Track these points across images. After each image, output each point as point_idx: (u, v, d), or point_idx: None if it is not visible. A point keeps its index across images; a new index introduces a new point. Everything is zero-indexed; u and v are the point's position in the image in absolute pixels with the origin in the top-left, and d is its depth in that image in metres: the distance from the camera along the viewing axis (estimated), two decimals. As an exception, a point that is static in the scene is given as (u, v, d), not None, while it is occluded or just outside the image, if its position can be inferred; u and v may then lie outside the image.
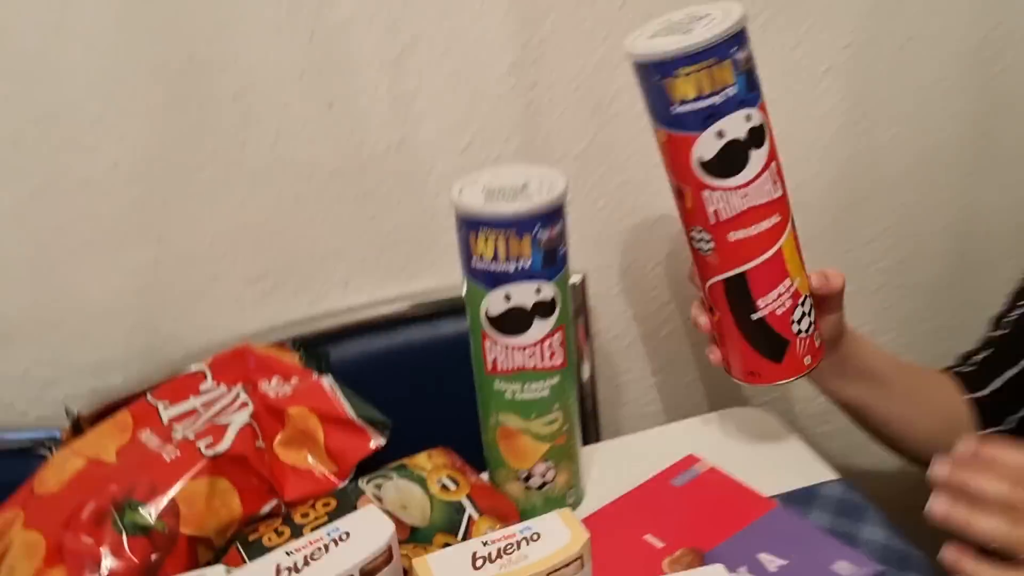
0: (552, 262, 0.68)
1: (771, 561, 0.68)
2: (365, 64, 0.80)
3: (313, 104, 0.80)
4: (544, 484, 0.75)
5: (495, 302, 0.69)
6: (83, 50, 0.73)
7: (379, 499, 0.69)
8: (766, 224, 0.69)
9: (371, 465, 0.74)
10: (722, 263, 0.71)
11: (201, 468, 0.68)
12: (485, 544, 0.55)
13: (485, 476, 0.78)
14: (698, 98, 0.64)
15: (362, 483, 0.71)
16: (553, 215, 0.67)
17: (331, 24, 0.78)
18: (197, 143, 0.79)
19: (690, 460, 0.81)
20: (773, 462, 0.82)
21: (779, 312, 0.71)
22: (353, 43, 0.79)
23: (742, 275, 0.70)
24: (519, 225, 0.66)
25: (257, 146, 0.80)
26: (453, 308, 0.87)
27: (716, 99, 0.64)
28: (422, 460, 0.75)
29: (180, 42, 0.75)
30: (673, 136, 0.67)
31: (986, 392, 0.82)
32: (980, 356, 0.85)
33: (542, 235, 0.67)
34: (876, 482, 0.92)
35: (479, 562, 0.54)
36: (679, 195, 0.71)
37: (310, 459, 0.73)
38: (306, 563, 0.54)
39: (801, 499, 0.77)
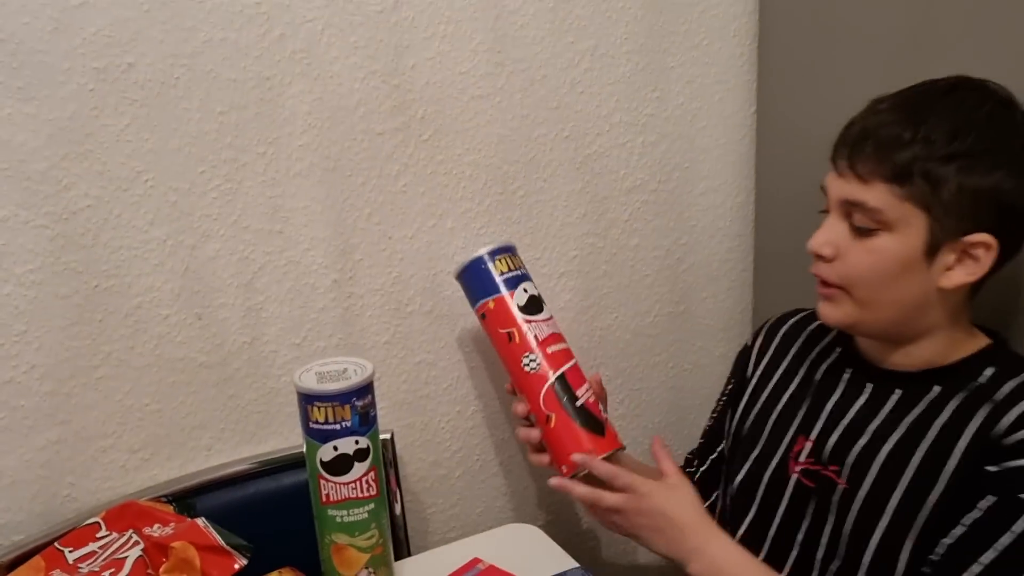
0: (366, 422, 0.99)
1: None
2: (225, 286, 1.11)
3: (186, 316, 1.09)
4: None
5: (326, 452, 0.98)
6: (14, 286, 0.99)
7: (245, 604, 0.95)
8: (564, 345, 1.12)
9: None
10: (547, 370, 1.08)
11: (107, 592, 0.92)
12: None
13: (323, 586, 1.04)
14: (509, 271, 1.10)
15: (232, 594, 0.96)
16: (364, 390, 0.99)
17: (201, 259, 1.08)
18: (96, 348, 1.05)
19: (475, 561, 1.11)
20: (533, 557, 1.13)
21: (591, 400, 1.09)
22: (216, 271, 1.10)
23: (563, 375, 1.09)
24: (341, 398, 0.97)
25: (142, 349, 1.08)
26: (292, 464, 1.16)
27: (519, 272, 1.10)
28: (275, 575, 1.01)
29: (88, 277, 1.03)
30: (498, 299, 1.09)
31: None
32: (702, 468, 1.23)
33: (358, 403, 0.98)
34: (610, 568, 1.24)
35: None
36: (509, 339, 1.09)
37: (189, 581, 0.98)
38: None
39: (553, 582, 1.08)
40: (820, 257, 0.98)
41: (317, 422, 0.98)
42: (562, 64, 1.25)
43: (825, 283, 0.98)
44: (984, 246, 0.90)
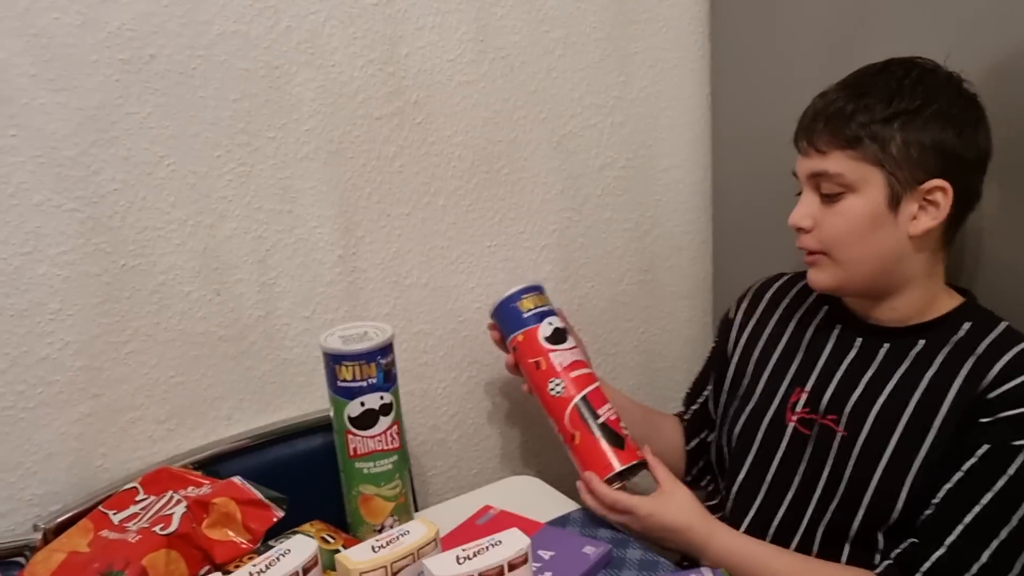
0: (389, 378, 1.08)
1: (546, 553, 1.08)
2: (240, 263, 1.18)
3: (206, 292, 1.16)
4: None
5: (354, 408, 1.07)
6: (48, 266, 1.05)
7: (286, 550, 1.02)
8: (588, 370, 1.21)
9: (272, 534, 1.06)
10: (571, 392, 1.18)
11: (158, 543, 0.99)
12: (378, 541, 0.91)
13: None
14: (535, 307, 1.20)
15: (270, 543, 1.04)
16: (387, 349, 1.08)
17: (219, 238, 1.16)
18: (124, 325, 1.11)
19: (486, 508, 1.20)
20: (538, 502, 1.23)
21: (612, 418, 1.17)
22: (232, 250, 1.17)
23: (585, 396, 1.18)
24: (367, 356, 1.06)
25: (167, 324, 1.14)
26: (306, 430, 1.24)
27: (544, 308, 1.21)
28: (307, 527, 1.09)
29: (116, 257, 1.09)
30: (527, 332, 1.20)
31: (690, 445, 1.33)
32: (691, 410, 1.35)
33: (382, 361, 1.07)
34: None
35: (377, 549, 0.90)
36: (536, 367, 1.19)
37: (231, 533, 1.05)
38: (268, 567, 0.88)
39: (558, 521, 1.18)
40: (800, 229, 1.09)
41: (345, 380, 1.06)
42: (538, 51, 1.36)
43: (810, 252, 1.10)
44: (940, 190, 1.02)
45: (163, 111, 1.09)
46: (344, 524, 1.14)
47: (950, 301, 1.10)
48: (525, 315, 1.22)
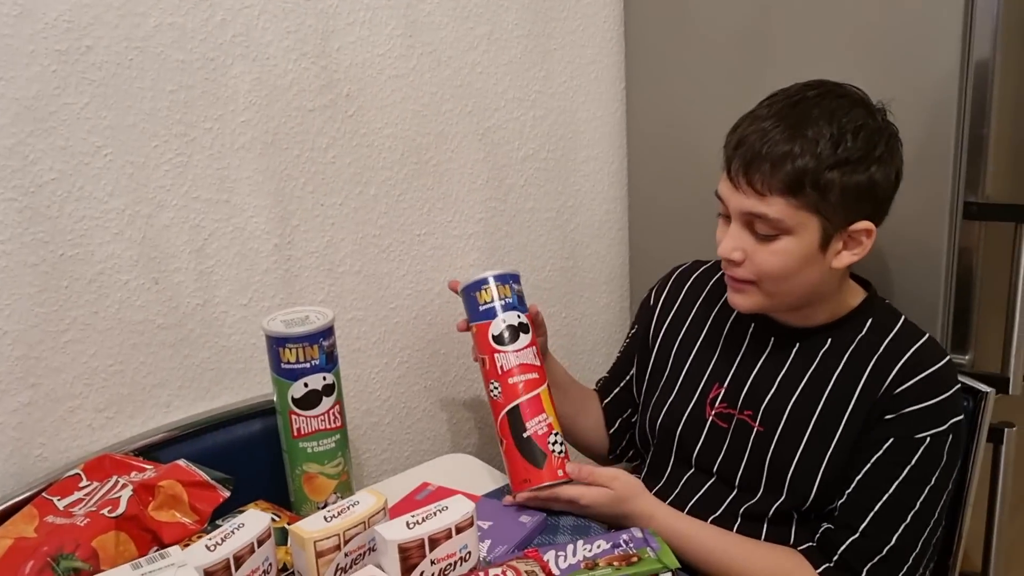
0: (331, 360, 1.12)
1: (484, 523, 1.14)
2: (178, 252, 1.20)
3: (144, 281, 1.18)
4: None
5: (297, 389, 1.11)
6: (-14, 256, 1.06)
7: (234, 528, 1.05)
8: (531, 375, 1.19)
9: (218, 515, 1.09)
10: (505, 400, 1.18)
11: (107, 526, 1.00)
12: (329, 511, 0.95)
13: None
14: (494, 300, 1.19)
15: (218, 523, 1.06)
16: (329, 331, 1.12)
17: (157, 227, 1.17)
18: (62, 314, 1.12)
19: (424, 484, 1.25)
20: (473, 478, 1.28)
21: (540, 433, 1.17)
22: (171, 239, 1.19)
23: (516, 407, 1.17)
24: (310, 339, 1.10)
25: (105, 313, 1.15)
26: (245, 416, 1.27)
27: (504, 301, 1.19)
28: (251, 507, 1.12)
29: (54, 246, 1.10)
30: (480, 325, 1.19)
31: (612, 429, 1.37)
32: (610, 395, 1.38)
33: (324, 343, 1.11)
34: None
35: (329, 519, 0.94)
36: (483, 364, 1.20)
37: (178, 515, 1.07)
38: (224, 540, 0.91)
39: (494, 494, 1.24)
40: (730, 261, 1.11)
41: (288, 363, 1.09)
42: (463, 47, 1.41)
43: (735, 279, 1.13)
44: (866, 232, 1.07)
45: (100, 101, 1.10)
46: (287, 504, 1.17)
47: (854, 297, 1.16)
48: (481, 307, 1.21)
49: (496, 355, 1.19)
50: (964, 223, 1.23)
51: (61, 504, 1.06)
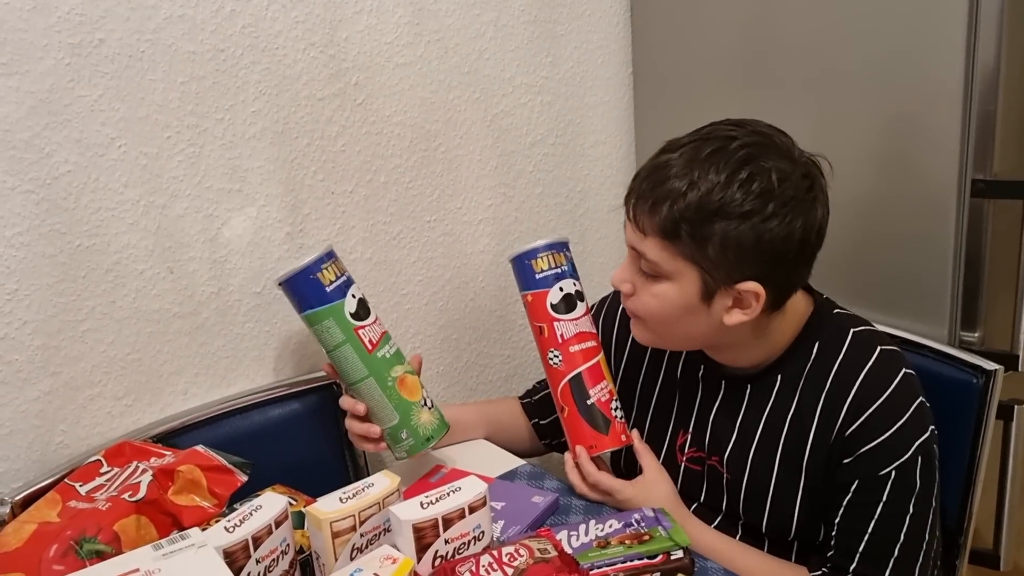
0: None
1: (498, 504, 1.15)
2: (192, 241, 1.22)
3: (159, 270, 1.20)
4: (432, 402, 1.20)
5: (350, 304, 1.14)
6: (4, 247, 1.07)
7: (252, 511, 1.07)
8: (589, 343, 1.19)
9: (236, 499, 1.11)
10: (567, 367, 1.18)
11: (128, 510, 1.02)
12: (344, 493, 0.97)
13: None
14: (549, 268, 1.18)
15: (236, 507, 1.08)
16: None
17: (171, 217, 1.19)
18: (80, 304, 1.14)
19: (438, 467, 1.26)
20: (487, 461, 1.30)
21: (603, 400, 1.18)
22: (185, 228, 1.21)
23: (579, 374, 1.18)
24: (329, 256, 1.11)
25: (122, 302, 1.17)
26: (261, 402, 1.29)
27: (560, 269, 1.18)
28: (268, 491, 1.13)
29: (71, 237, 1.12)
30: (535, 294, 1.19)
31: (546, 421, 1.34)
32: (540, 394, 1.35)
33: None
34: (547, 463, 1.43)
35: (345, 500, 0.95)
36: (540, 332, 1.19)
37: (197, 499, 1.09)
38: (242, 522, 0.93)
39: (508, 476, 1.25)
40: (622, 291, 1.08)
41: (331, 282, 1.14)
42: (471, 34, 1.42)
43: (627, 309, 1.10)
44: (754, 294, 0.98)
45: (113, 94, 1.12)
46: (305, 488, 1.19)
47: (796, 322, 1.07)
48: (538, 275, 1.19)
49: (556, 323, 1.18)
50: (972, 201, 1.23)
51: (83, 489, 1.08)
